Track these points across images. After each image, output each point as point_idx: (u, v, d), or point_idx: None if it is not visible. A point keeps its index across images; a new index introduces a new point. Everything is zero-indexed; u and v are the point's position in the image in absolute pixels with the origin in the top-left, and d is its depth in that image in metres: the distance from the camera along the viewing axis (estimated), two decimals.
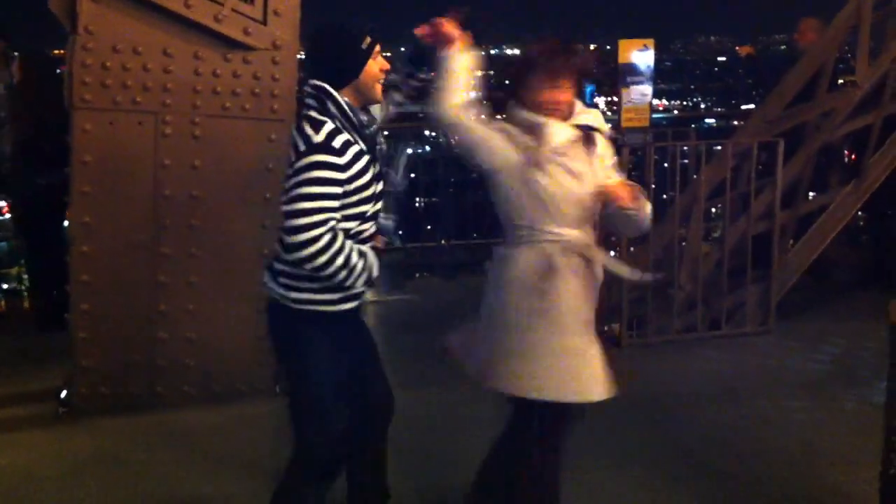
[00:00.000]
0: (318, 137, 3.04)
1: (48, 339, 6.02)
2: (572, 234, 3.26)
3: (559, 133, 3.21)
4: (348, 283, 3.10)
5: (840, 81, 6.91)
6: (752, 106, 8.58)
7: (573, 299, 3.30)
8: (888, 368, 3.42)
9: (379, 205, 3.28)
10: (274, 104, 5.02)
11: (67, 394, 5.06)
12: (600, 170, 3.31)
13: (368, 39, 3.18)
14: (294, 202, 3.02)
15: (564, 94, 3.24)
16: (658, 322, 6.27)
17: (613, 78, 6.78)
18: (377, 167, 3.23)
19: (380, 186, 3.24)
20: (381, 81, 3.25)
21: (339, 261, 3.04)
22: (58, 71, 6.39)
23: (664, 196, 7.17)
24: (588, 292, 3.35)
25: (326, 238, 3.01)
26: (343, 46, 3.16)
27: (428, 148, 9.64)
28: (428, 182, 9.33)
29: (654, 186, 6.45)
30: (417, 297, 7.55)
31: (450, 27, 3.22)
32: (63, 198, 5.00)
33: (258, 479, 4.04)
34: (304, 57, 3.28)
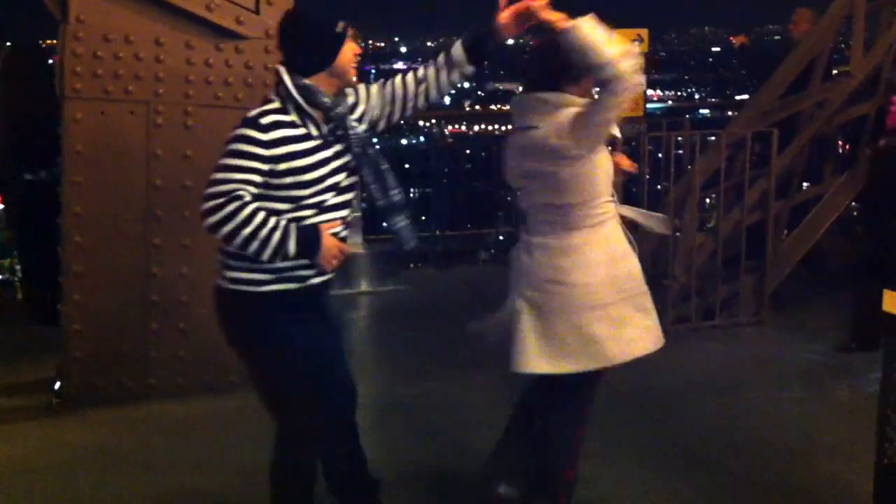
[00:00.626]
0: (252, 113, 3.09)
1: (41, 331, 6.00)
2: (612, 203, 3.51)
3: None
4: (264, 255, 3.03)
5: (835, 72, 6.90)
6: (746, 96, 8.57)
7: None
8: (882, 358, 3.42)
9: (341, 197, 3.20)
10: (267, 94, 4.98)
11: (61, 385, 5.05)
12: None
13: (341, 24, 3.17)
14: (213, 172, 3.05)
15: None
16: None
17: None
18: (342, 156, 3.18)
19: (340, 177, 3.17)
20: (354, 65, 3.22)
21: (246, 231, 2.98)
22: (49, 62, 6.35)
23: (658, 186, 7.17)
24: None
25: (230, 208, 2.97)
26: (317, 31, 3.15)
27: (422, 138, 9.63)
28: (421, 172, 9.32)
29: (648, 177, 6.45)
30: (411, 288, 7.55)
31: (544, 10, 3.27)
32: (56, 190, 4.98)
33: (251, 470, 4.01)
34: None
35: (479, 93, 40.80)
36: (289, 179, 3.07)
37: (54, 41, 5.10)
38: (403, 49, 58.80)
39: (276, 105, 3.10)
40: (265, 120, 3.06)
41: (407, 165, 10.83)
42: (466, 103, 33.55)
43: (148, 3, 4.80)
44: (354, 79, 3.24)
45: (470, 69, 3.39)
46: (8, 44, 7.20)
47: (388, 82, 3.42)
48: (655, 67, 7.59)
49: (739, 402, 5.12)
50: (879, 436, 3.41)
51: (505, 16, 3.30)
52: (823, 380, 5.41)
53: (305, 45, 3.14)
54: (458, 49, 3.36)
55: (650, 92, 7.66)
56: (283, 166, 3.06)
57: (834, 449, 4.50)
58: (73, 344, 4.95)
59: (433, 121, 9.79)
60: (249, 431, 4.55)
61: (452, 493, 4.12)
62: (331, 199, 3.16)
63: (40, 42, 7.06)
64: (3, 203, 6.95)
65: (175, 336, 5.02)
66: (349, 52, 3.17)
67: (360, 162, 3.20)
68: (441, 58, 3.39)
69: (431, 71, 3.39)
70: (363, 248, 7.62)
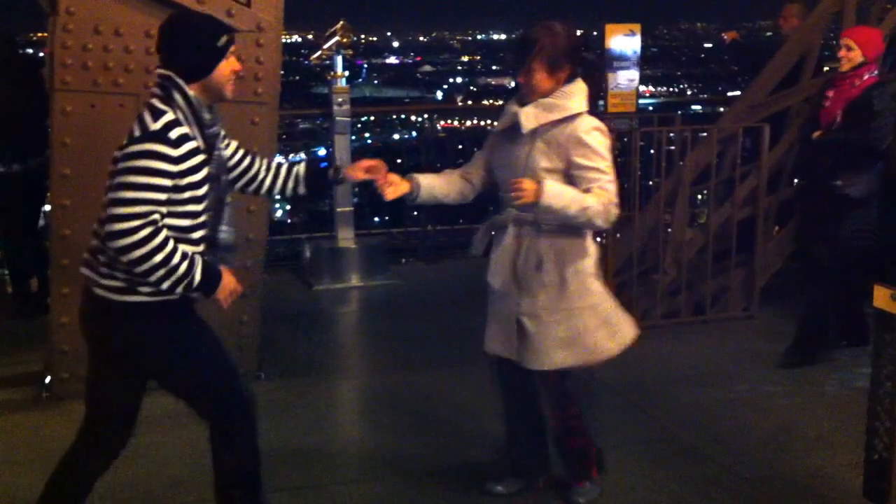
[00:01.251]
0: (155, 125, 2.98)
1: (29, 324, 5.98)
2: None
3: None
4: (164, 285, 2.99)
5: (825, 68, 6.91)
6: (737, 92, 8.58)
7: None
8: (871, 353, 3.44)
9: (210, 212, 3.16)
10: (258, 87, 4.99)
11: (50, 379, 5.03)
12: None
13: (225, 38, 3.12)
14: (118, 190, 2.94)
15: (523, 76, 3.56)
16: (642, 307, 6.28)
17: (599, 63, 6.77)
18: (213, 170, 3.13)
19: (212, 191, 3.14)
20: (232, 82, 3.17)
21: (158, 258, 2.94)
22: (20, 52, 6.30)
23: (650, 182, 7.18)
24: None
25: (145, 231, 2.92)
26: (198, 42, 3.08)
27: (414, 133, 9.62)
28: (413, 167, 9.31)
29: (639, 172, 6.46)
30: (401, 283, 7.55)
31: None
32: (39, 182, 4.96)
33: None
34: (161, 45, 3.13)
35: (472, 88, 40.81)
36: (188, 194, 3.03)
37: (44, 34, 5.08)
38: (395, 44, 58.77)
39: (173, 116, 3.02)
40: (174, 134, 2.98)
41: (399, 160, 10.83)
42: (458, 98, 33.58)
43: None
44: (230, 96, 3.21)
45: (303, 191, 3.53)
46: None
47: (247, 152, 3.47)
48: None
49: (726, 395, 5.14)
50: (868, 431, 3.43)
51: (355, 169, 3.53)
52: (811, 374, 5.43)
53: (184, 53, 3.07)
54: (301, 171, 3.50)
55: (642, 88, 7.66)
56: (185, 181, 3.01)
57: (820, 442, 4.53)
58: (61, 337, 4.92)
59: (425, 115, 9.76)
60: None
61: (441, 485, 4.12)
62: (202, 210, 3.12)
63: (15, 35, 6.97)
64: None
65: None
66: (228, 67, 3.12)
67: (211, 186, 3.13)
68: (292, 168, 3.51)
69: (283, 171, 3.50)
70: (354, 243, 7.63)
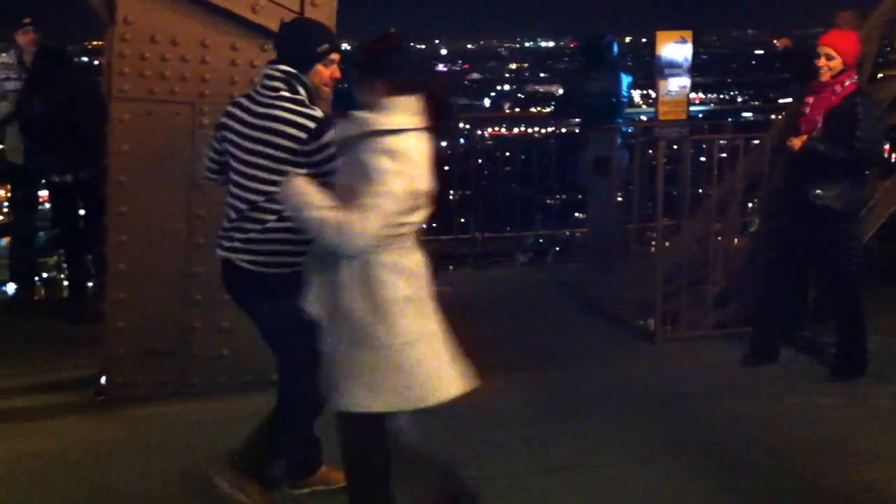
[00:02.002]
0: (319, 113, 3.52)
1: (84, 328, 6.08)
2: None
3: None
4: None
5: (879, 75, 6.80)
6: (789, 99, 8.47)
7: None
8: None
9: None
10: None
11: (104, 383, 5.11)
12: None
13: (326, 46, 3.59)
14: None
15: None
16: (692, 317, 6.23)
17: (648, 70, 6.73)
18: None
19: None
20: (328, 88, 3.67)
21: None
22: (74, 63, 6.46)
23: (699, 190, 7.13)
24: None
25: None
26: (301, 41, 3.60)
27: (462, 140, 9.63)
28: (460, 174, 9.32)
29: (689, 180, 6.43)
30: (449, 288, 7.54)
31: None
32: (98, 190, 5.05)
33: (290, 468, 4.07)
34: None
35: (519, 95, 40.72)
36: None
37: (99, 42, 5.18)
38: (443, 52, 58.85)
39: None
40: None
41: (447, 167, 10.83)
42: (506, 105, 33.51)
43: (194, 6, 4.86)
44: (325, 97, 3.71)
45: None
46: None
47: None
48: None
49: (777, 407, 5.09)
50: None
51: None
52: (864, 387, 5.34)
53: (290, 49, 3.60)
54: None
55: (692, 95, 7.60)
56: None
57: (873, 456, 4.46)
58: (116, 341, 5.02)
59: (473, 123, 9.77)
60: None
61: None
62: None
63: (68, 45, 7.13)
64: (48, 202, 7.04)
65: (216, 334, 5.06)
66: (325, 72, 3.60)
67: None
68: None
69: None
70: None
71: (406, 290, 3.18)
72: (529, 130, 14.65)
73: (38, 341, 6.14)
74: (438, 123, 3.20)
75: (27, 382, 5.44)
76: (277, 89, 3.53)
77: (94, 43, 6.85)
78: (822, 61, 5.22)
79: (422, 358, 3.23)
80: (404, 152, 3.06)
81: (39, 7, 7.81)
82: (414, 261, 3.24)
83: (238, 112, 3.61)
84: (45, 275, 8.09)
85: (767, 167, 6.32)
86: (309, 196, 3.11)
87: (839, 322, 5.61)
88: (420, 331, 3.23)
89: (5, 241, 7.92)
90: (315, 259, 3.26)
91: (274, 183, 3.43)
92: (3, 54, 6.75)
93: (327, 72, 3.60)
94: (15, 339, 6.21)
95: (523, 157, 9.88)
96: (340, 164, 3.29)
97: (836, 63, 5.20)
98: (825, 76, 5.23)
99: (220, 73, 4.92)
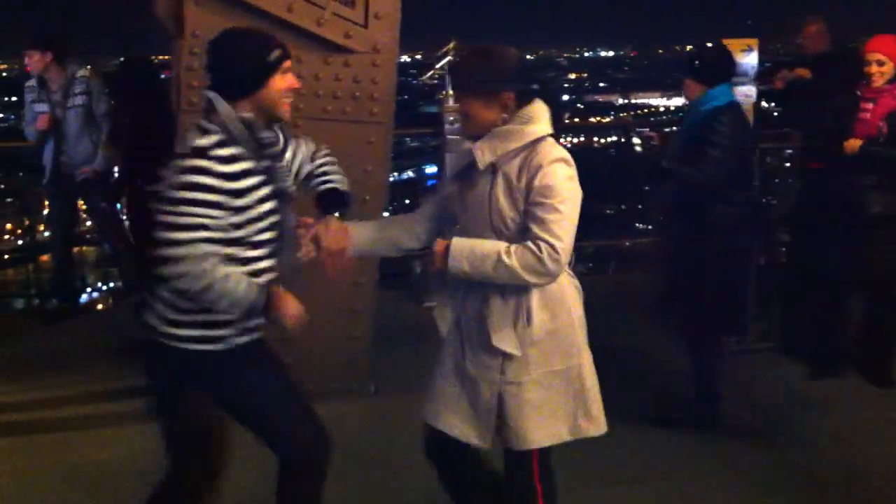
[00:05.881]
0: (202, 142, 2.90)
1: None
2: None
3: None
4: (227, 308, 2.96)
5: None
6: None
7: None
8: None
9: (273, 235, 3.08)
10: (373, 107, 5.06)
11: None
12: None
13: (278, 52, 2.99)
14: (172, 213, 2.86)
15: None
16: (761, 327, 6.14)
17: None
18: (271, 191, 3.03)
19: (274, 215, 3.06)
20: (287, 100, 3.03)
21: (222, 286, 2.90)
22: (161, 76, 6.56)
23: (764, 200, 7.03)
24: None
25: (206, 260, 2.87)
26: (245, 55, 2.95)
27: None
28: None
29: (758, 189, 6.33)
30: None
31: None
32: None
33: (348, 477, 4.08)
34: None
35: (579, 105, 40.56)
36: (243, 217, 2.97)
37: (163, 56, 5.26)
38: None
39: (220, 137, 2.93)
40: (224, 152, 2.91)
41: None
42: (566, 115, 33.41)
43: (260, 19, 4.90)
44: (286, 114, 3.06)
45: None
46: (121, 59, 7.47)
47: (322, 153, 3.40)
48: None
49: (851, 421, 5.00)
50: None
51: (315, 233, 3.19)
52: None
53: (229, 68, 2.96)
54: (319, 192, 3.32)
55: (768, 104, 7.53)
56: (238, 202, 2.94)
57: None
58: None
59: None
60: (346, 439, 4.61)
61: None
62: (257, 236, 3.04)
63: (152, 57, 7.26)
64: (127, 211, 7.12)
65: (276, 344, 5.07)
66: (281, 83, 2.99)
67: (272, 208, 3.06)
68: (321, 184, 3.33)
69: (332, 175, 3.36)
70: None
71: (580, 310, 3.18)
72: (590, 140, 14.59)
73: (99, 351, 6.22)
74: (557, 127, 3.13)
75: (92, 390, 5.51)
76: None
77: (159, 57, 6.95)
78: (873, 68, 5.17)
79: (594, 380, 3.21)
80: (569, 159, 3.00)
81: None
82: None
83: None
84: (111, 284, 8.23)
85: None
86: (478, 249, 2.96)
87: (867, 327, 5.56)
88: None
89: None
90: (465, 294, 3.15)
91: None
92: (30, 81, 6.80)
93: (283, 83, 3.01)
94: (75, 349, 6.31)
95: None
96: (452, 192, 3.17)
97: (888, 68, 5.16)
98: (878, 81, 5.18)
99: None
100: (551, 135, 3.03)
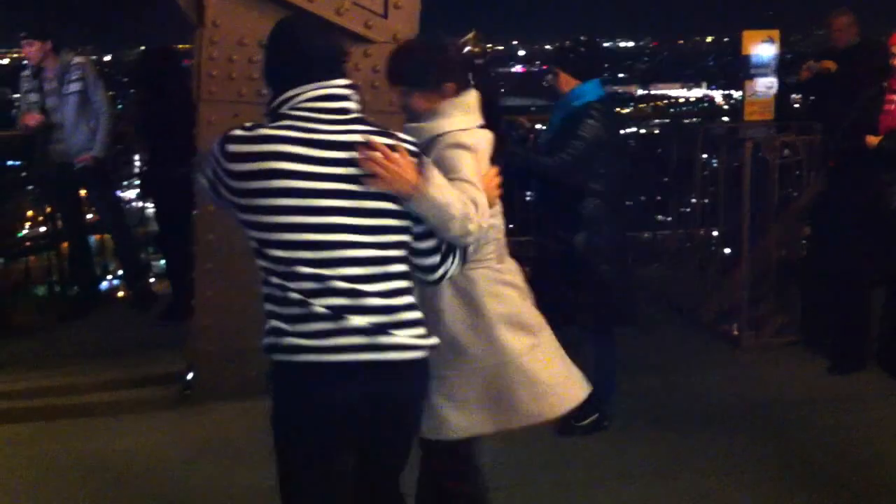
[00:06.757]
0: None
1: (174, 325, 6.19)
2: None
3: None
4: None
5: None
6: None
7: None
8: None
9: None
10: (392, 97, 5.05)
11: (192, 379, 5.21)
12: None
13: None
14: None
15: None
16: (779, 322, 6.10)
17: (730, 71, 6.61)
18: None
19: None
20: None
21: None
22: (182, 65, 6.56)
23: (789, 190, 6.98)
24: None
25: None
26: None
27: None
28: None
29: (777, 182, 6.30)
30: None
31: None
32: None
33: None
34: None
35: None
36: None
37: (188, 45, 5.27)
38: (521, 52, 58.68)
39: None
40: None
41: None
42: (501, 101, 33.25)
43: (281, 8, 4.89)
44: None
45: None
46: (142, 48, 7.47)
47: None
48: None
49: (867, 419, 4.95)
50: None
51: None
52: None
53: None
54: None
55: (793, 96, 7.48)
56: None
57: None
58: (204, 338, 5.10)
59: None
60: None
61: None
62: None
63: (172, 46, 7.25)
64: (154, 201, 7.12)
65: None
66: None
67: None
68: None
69: None
70: None
71: (505, 307, 3.09)
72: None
73: (121, 339, 6.26)
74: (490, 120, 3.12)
75: (115, 378, 5.54)
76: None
77: (180, 46, 6.93)
78: None
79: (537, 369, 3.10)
80: (469, 145, 2.94)
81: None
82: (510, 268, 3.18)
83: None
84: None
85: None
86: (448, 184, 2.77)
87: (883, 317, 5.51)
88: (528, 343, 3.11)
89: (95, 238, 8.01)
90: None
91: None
92: (26, 71, 6.70)
93: None
94: (96, 337, 6.35)
95: None
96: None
97: None
98: None
99: None
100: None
